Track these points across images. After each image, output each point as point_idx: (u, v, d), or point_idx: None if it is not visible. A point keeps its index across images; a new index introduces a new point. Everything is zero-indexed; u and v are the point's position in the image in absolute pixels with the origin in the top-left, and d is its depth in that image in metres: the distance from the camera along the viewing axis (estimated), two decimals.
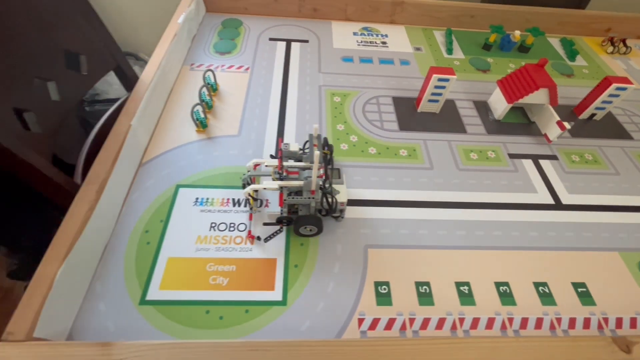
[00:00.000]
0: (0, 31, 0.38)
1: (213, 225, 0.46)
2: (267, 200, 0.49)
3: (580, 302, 0.43)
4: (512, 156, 0.59)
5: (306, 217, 0.43)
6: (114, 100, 1.12)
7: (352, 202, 0.50)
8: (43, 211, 0.86)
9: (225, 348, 0.32)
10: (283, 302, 0.40)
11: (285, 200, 0.43)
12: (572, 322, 0.41)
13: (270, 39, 0.78)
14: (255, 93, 0.65)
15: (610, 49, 0.88)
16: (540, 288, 0.44)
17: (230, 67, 0.70)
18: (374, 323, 0.40)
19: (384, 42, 0.81)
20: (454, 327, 0.40)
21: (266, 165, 0.46)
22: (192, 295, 0.40)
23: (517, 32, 0.81)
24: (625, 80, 0.61)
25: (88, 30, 0.51)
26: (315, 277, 0.43)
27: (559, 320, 0.41)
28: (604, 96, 0.63)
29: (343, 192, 0.45)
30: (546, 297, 0.43)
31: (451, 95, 0.69)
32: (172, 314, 0.39)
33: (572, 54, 0.83)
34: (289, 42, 0.78)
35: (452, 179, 0.55)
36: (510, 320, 0.41)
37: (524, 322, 0.41)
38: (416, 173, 0.55)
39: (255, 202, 0.47)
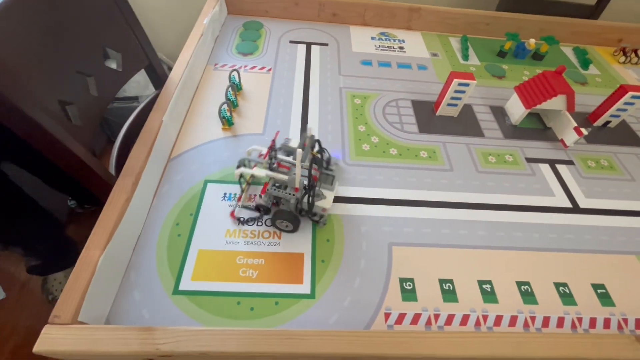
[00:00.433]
0: (51, 27, 0.39)
1: (241, 219, 0.47)
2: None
3: (600, 303, 0.44)
4: (530, 160, 0.61)
5: (285, 212, 0.44)
6: (133, 99, 1.14)
7: (375, 201, 0.52)
8: (52, 219, 0.89)
9: (261, 336, 0.33)
10: (312, 296, 0.41)
11: (268, 190, 0.44)
12: (592, 322, 0.42)
13: (291, 42, 0.80)
14: (278, 93, 0.67)
15: (622, 58, 0.89)
16: (561, 288, 0.45)
17: (253, 67, 0.72)
18: (400, 318, 0.41)
19: (401, 47, 0.83)
20: (477, 324, 0.41)
21: (259, 155, 0.47)
22: (223, 287, 0.41)
23: (532, 40, 0.82)
24: None
25: (126, 29, 0.52)
26: (341, 272, 0.44)
27: (579, 319, 0.42)
28: (619, 104, 0.64)
29: (328, 199, 0.45)
30: (567, 297, 0.44)
31: (468, 100, 0.71)
32: (204, 304, 0.40)
33: (585, 63, 0.85)
34: (309, 45, 0.79)
35: (472, 181, 0.56)
36: (533, 318, 0.42)
37: (546, 321, 0.42)
38: (437, 174, 0.56)
39: (248, 186, 0.48)
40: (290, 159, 0.46)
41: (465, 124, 0.66)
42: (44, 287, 0.94)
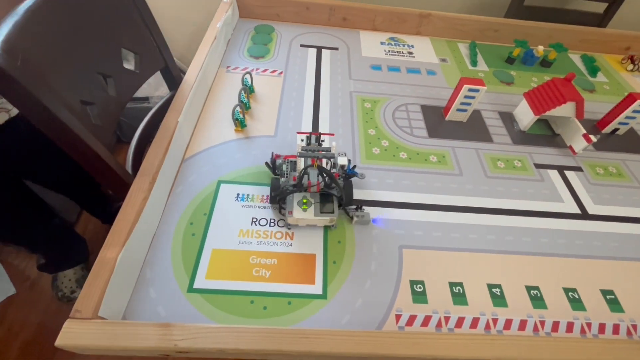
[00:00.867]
0: (74, 28, 0.41)
1: (254, 220, 0.48)
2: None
3: (609, 309, 0.44)
4: (538, 166, 0.61)
5: (282, 190, 0.46)
6: (143, 99, 1.16)
7: (385, 204, 0.52)
8: (59, 218, 0.90)
9: (277, 334, 0.34)
10: (324, 296, 0.42)
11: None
12: (601, 328, 0.43)
13: (302, 45, 0.81)
14: (289, 96, 0.68)
15: (630, 66, 0.90)
16: (570, 294, 0.45)
17: (265, 70, 0.73)
18: (411, 319, 0.41)
19: (410, 53, 0.84)
20: (487, 327, 0.41)
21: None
22: (237, 286, 0.42)
23: (540, 47, 0.83)
24: None
25: (144, 31, 0.54)
26: (353, 274, 0.44)
27: (589, 325, 0.43)
28: (628, 112, 0.65)
29: (309, 216, 0.45)
30: (576, 303, 0.45)
31: (477, 105, 0.71)
32: (218, 302, 0.41)
33: (593, 71, 0.85)
34: (319, 49, 0.80)
35: (481, 186, 0.56)
36: (542, 322, 0.42)
37: (555, 326, 0.42)
38: (446, 179, 0.57)
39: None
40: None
41: (474, 129, 0.66)
42: (54, 284, 0.95)
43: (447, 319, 0.42)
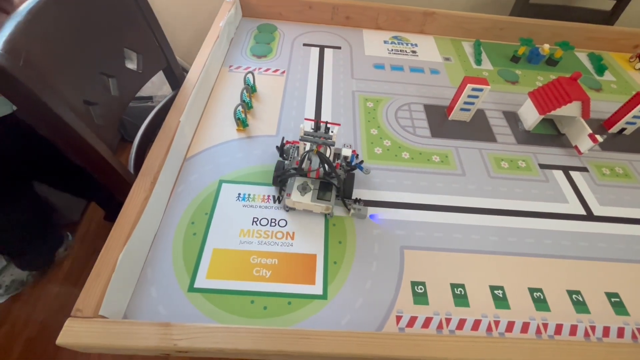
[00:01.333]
0: (78, 28, 0.41)
1: (255, 220, 0.48)
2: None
3: (614, 312, 0.44)
4: (543, 166, 0.60)
5: (284, 171, 0.48)
6: (147, 98, 1.16)
7: (387, 204, 0.52)
8: (44, 229, 0.92)
9: (277, 334, 0.34)
10: (324, 296, 0.42)
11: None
12: (606, 331, 0.42)
13: (305, 45, 0.80)
14: (292, 96, 0.67)
15: (638, 65, 0.88)
16: (574, 296, 0.45)
17: (267, 70, 0.72)
18: (412, 321, 0.41)
19: (413, 51, 0.83)
20: (489, 329, 0.41)
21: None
22: (237, 286, 0.42)
23: (546, 46, 0.82)
24: None
25: (146, 30, 0.54)
26: (353, 274, 0.44)
27: (593, 328, 0.42)
28: (635, 111, 0.63)
29: (306, 200, 0.46)
30: (580, 305, 0.44)
31: (481, 105, 0.70)
32: (219, 302, 0.41)
33: (600, 69, 0.84)
34: (322, 48, 0.80)
35: (484, 186, 0.56)
36: (545, 325, 0.42)
37: (559, 328, 0.42)
38: (449, 179, 0.56)
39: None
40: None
41: (477, 128, 0.66)
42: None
43: (448, 320, 0.41)
